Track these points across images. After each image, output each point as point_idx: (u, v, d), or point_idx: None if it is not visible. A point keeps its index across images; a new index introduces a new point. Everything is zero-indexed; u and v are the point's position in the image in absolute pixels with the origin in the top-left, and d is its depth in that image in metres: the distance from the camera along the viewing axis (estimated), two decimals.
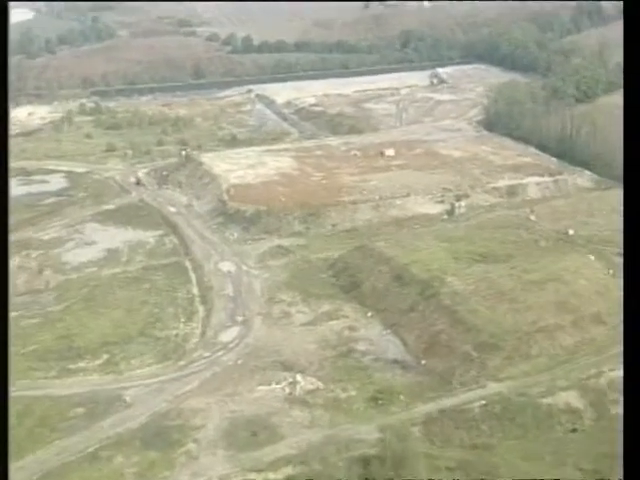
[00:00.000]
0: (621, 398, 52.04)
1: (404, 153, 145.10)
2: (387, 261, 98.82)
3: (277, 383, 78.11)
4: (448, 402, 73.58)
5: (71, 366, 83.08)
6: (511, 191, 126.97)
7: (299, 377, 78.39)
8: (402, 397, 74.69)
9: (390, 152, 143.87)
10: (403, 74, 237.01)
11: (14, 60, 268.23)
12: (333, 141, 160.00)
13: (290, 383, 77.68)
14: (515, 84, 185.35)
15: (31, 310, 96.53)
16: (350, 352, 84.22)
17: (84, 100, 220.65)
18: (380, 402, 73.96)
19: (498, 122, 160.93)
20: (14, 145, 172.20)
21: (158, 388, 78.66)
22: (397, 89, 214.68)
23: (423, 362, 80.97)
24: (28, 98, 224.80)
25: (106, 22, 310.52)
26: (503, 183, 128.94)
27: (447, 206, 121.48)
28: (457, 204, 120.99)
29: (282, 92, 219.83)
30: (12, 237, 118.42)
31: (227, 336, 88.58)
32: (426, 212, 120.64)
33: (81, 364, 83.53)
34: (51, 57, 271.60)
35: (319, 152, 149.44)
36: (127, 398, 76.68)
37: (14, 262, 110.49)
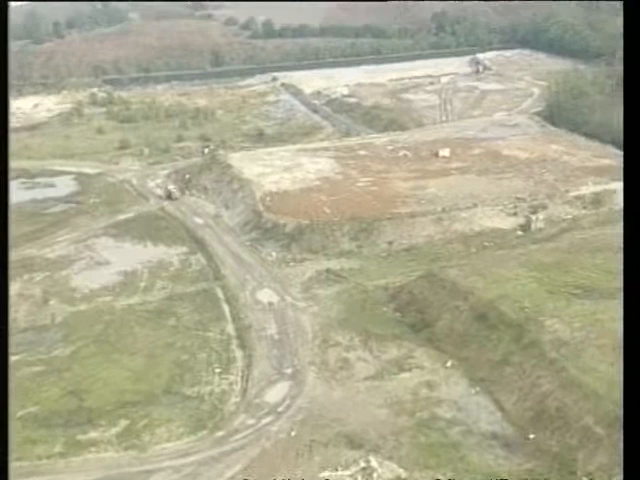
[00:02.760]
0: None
1: (461, 154, 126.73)
2: (465, 294, 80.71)
3: (346, 467, 60.48)
4: None
5: (81, 437, 65.60)
6: (596, 200, 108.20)
7: (373, 460, 60.59)
8: None
9: (445, 152, 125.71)
10: (440, 60, 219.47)
11: (18, 45, 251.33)
12: (377, 139, 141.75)
13: (363, 469, 59.86)
14: (576, 72, 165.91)
15: (33, 354, 79.30)
16: (433, 420, 66.24)
17: (95, 89, 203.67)
18: None
19: (563, 116, 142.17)
20: (16, 141, 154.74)
21: (193, 473, 61.26)
22: (436, 77, 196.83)
23: (531, 437, 62.88)
24: (34, 87, 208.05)
25: (116, 4, 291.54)
26: (585, 190, 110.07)
27: (521, 219, 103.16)
28: (534, 217, 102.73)
29: (310, 81, 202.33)
30: (12, 255, 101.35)
31: (274, 395, 70.84)
32: (497, 227, 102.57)
33: (93, 434, 65.98)
34: (59, 42, 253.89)
35: (363, 152, 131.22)
36: None
37: (14, 288, 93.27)
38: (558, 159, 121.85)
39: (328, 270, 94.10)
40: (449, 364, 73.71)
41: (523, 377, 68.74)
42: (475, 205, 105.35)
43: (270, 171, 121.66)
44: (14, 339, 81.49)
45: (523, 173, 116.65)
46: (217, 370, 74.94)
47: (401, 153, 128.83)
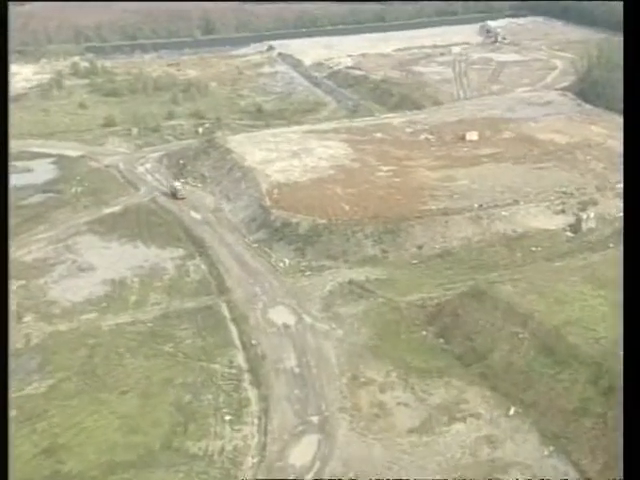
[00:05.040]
0: None
1: (490, 137, 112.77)
2: (524, 318, 67.24)
3: None
4: None
5: None
6: None
7: None
8: None
9: (473, 136, 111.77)
10: (448, 28, 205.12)
11: None
12: (393, 119, 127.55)
13: None
14: (606, 42, 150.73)
15: None
16: None
17: (76, 58, 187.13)
18: None
19: (598, 92, 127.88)
20: None
21: None
22: (446, 47, 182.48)
23: None
24: (10, 55, 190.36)
25: None
26: None
27: (570, 218, 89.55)
28: (584, 215, 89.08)
29: (309, 50, 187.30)
30: None
31: (301, 454, 57.38)
32: (544, 227, 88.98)
33: None
34: (37, 4, 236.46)
35: (379, 134, 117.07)
36: None
37: None
38: (602, 143, 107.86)
39: (351, 281, 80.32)
40: (512, 412, 60.29)
41: (609, 434, 55.36)
42: (516, 201, 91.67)
43: (276, 157, 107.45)
44: None
45: (565, 161, 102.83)
46: (227, 417, 61.44)
47: (422, 136, 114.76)
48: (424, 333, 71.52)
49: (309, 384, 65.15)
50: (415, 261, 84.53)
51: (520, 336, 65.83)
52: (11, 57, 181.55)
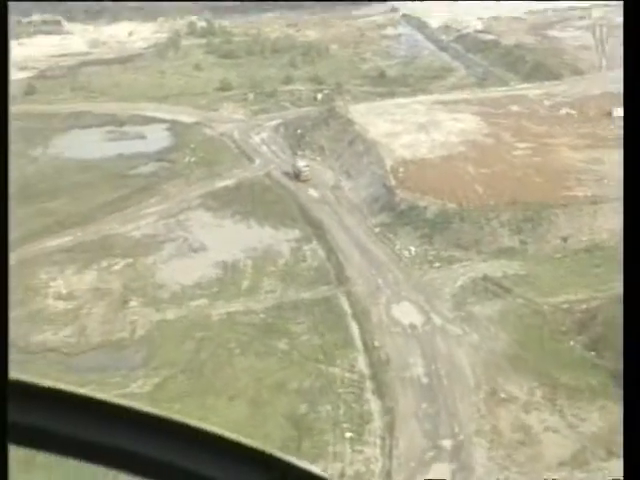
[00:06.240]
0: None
1: None
2: None
3: None
4: None
5: None
6: None
7: None
8: None
9: (621, 112, 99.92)
10: None
11: None
12: (529, 90, 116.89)
13: None
14: None
15: (104, 388, 59.43)
16: None
17: (194, 17, 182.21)
18: None
19: None
20: (107, 76, 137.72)
21: None
22: (586, 9, 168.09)
23: None
24: (130, 13, 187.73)
25: None
26: None
27: None
28: None
29: (435, 12, 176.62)
30: (92, 229, 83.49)
31: None
32: None
33: None
34: None
35: (514, 107, 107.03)
36: None
37: (88, 278, 74.57)
38: None
39: (485, 277, 71.68)
40: None
41: None
42: None
43: (401, 130, 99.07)
44: (83, 361, 63.48)
45: None
46: (347, 434, 54.24)
47: (563, 111, 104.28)
48: (572, 343, 62.61)
49: (439, 398, 57.42)
50: (559, 255, 75.25)
51: None
52: (129, 14, 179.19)
